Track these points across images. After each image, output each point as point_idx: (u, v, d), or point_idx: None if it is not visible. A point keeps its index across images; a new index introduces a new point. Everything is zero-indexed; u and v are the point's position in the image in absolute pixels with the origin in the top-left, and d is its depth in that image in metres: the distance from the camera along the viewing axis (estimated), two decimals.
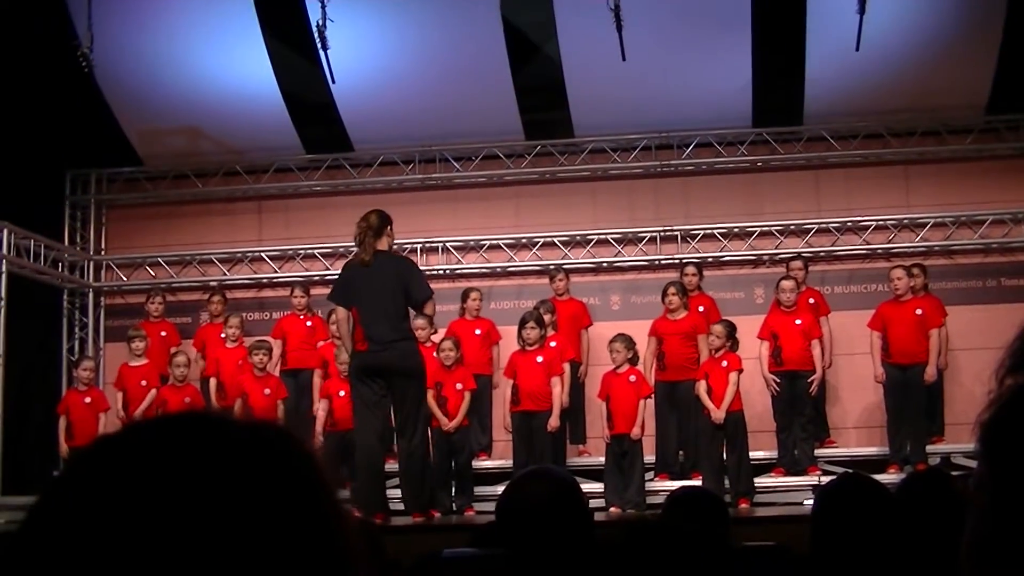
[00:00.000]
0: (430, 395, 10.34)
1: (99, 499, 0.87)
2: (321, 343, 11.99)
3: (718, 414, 10.52)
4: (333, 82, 12.04)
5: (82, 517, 0.87)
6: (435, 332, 11.23)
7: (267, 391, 11.44)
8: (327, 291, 13.26)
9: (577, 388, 11.83)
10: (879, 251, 13.09)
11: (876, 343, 11.29)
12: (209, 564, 0.85)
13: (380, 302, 9.08)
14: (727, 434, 10.64)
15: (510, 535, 3.02)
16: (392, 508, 9.54)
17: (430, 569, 3.98)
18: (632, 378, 10.77)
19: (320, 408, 11.12)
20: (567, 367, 11.16)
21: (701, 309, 11.79)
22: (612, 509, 10.48)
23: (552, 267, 12.84)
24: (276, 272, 13.91)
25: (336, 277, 10.11)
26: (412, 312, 9.55)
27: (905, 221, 13.08)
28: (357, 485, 9.15)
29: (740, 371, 10.68)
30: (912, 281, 11.44)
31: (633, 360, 10.88)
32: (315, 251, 13.80)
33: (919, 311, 11.20)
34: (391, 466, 9.71)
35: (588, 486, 10.00)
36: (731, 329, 10.88)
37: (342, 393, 10.90)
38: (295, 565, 0.89)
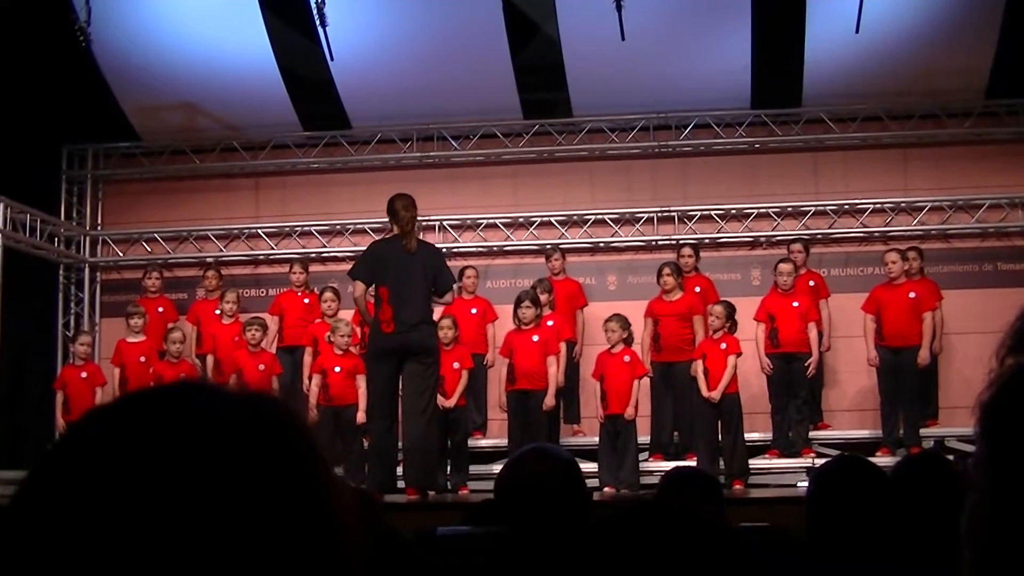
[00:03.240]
0: None
1: (92, 471, 0.87)
2: (318, 320, 11.96)
3: (714, 394, 10.54)
4: (331, 59, 12.02)
5: (75, 489, 0.87)
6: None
7: (261, 367, 11.42)
8: (325, 268, 13.38)
9: (572, 368, 11.85)
10: (876, 234, 13.09)
11: (869, 326, 11.31)
12: (202, 535, 0.85)
13: (413, 287, 9.27)
14: (722, 416, 10.67)
15: (510, 513, 3.03)
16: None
17: (425, 547, 3.99)
18: (626, 358, 10.78)
19: (313, 383, 11.11)
20: (563, 346, 11.18)
21: (698, 290, 11.81)
22: (606, 489, 10.50)
23: (549, 247, 12.84)
24: (273, 249, 13.90)
25: (364, 251, 10.09)
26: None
27: (903, 204, 13.08)
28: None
29: (739, 354, 10.71)
30: (906, 264, 11.46)
31: (628, 340, 10.89)
32: (312, 228, 13.79)
33: (912, 294, 11.22)
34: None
35: (582, 466, 10.01)
36: (731, 310, 10.90)
37: (337, 369, 10.92)
38: (289, 535, 0.89)
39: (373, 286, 9.43)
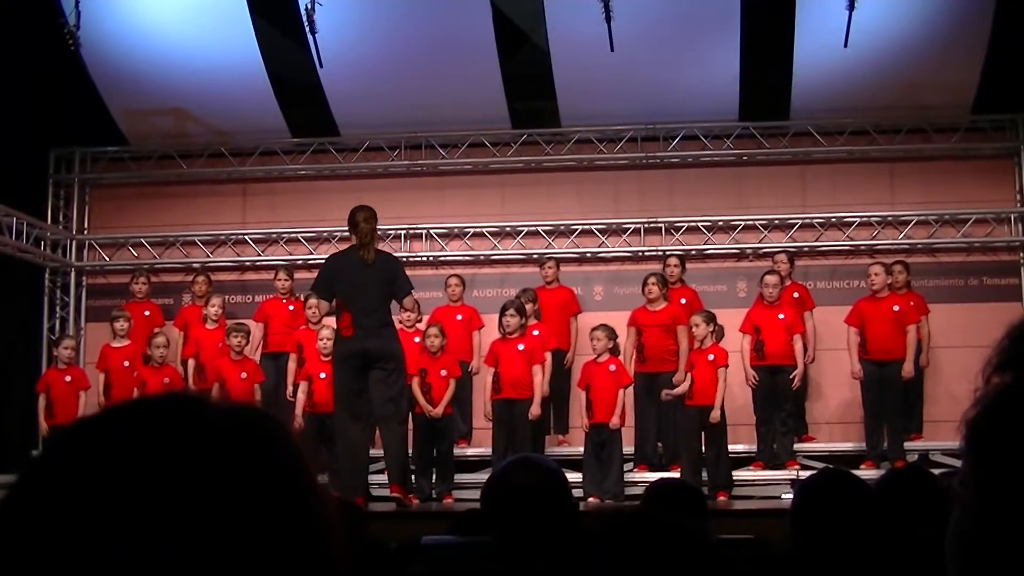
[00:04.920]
0: (415, 381, 10.46)
1: (78, 481, 0.87)
2: (302, 327, 11.93)
3: (714, 414, 10.53)
4: (321, 66, 12.00)
5: (61, 499, 0.87)
6: (420, 319, 11.24)
7: (244, 375, 11.40)
8: (311, 275, 13.33)
9: (564, 376, 11.86)
10: (863, 247, 13.12)
11: (853, 339, 11.33)
12: (187, 546, 0.85)
13: (370, 293, 9.31)
14: (706, 427, 10.67)
15: (495, 522, 3.02)
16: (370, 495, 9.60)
17: (410, 556, 3.99)
18: (612, 368, 10.78)
19: (300, 390, 11.08)
20: (548, 356, 11.17)
21: (683, 301, 11.80)
22: (591, 499, 10.49)
23: (541, 255, 12.85)
24: (259, 255, 13.87)
25: (323, 266, 10.10)
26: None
27: (889, 218, 13.12)
28: (339, 468, 9.27)
29: (726, 366, 10.67)
30: (891, 278, 11.49)
31: (614, 350, 10.91)
32: (299, 235, 13.77)
33: (896, 307, 11.24)
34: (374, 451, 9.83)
35: (568, 476, 9.99)
36: (710, 316, 10.87)
37: (323, 375, 10.90)
38: (273, 546, 0.89)
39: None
